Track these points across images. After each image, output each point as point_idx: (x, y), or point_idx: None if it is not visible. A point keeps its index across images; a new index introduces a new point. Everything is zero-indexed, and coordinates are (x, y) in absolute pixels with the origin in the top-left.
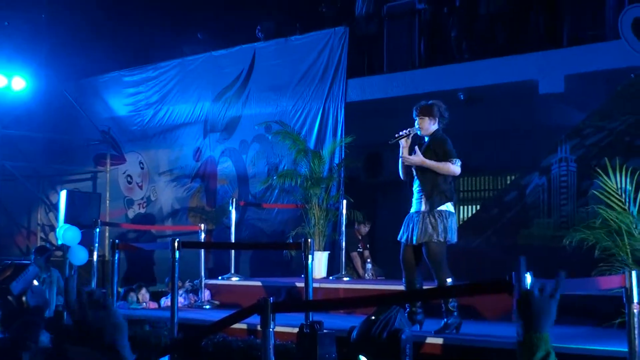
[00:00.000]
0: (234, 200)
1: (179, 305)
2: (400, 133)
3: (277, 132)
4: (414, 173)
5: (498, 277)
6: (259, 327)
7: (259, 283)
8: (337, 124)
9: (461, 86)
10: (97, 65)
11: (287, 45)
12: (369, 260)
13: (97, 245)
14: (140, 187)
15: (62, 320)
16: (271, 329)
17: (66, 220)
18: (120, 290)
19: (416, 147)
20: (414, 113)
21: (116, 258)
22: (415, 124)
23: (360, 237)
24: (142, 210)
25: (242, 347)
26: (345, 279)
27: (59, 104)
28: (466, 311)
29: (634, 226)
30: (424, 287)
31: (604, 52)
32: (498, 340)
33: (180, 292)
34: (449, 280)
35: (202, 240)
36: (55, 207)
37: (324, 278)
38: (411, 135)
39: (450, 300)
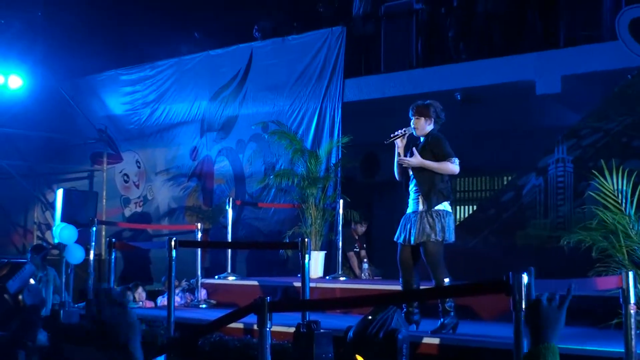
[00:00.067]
0: (231, 199)
1: (176, 304)
2: (396, 133)
3: (274, 132)
4: (411, 173)
5: (495, 277)
6: (255, 327)
7: (255, 282)
8: (334, 123)
9: (458, 86)
10: (94, 64)
11: (285, 44)
12: (365, 260)
13: (93, 244)
14: (137, 186)
15: (59, 319)
16: (268, 329)
17: (63, 219)
18: (117, 289)
19: (413, 148)
20: (410, 112)
21: (113, 257)
22: (411, 123)
23: (356, 237)
24: (139, 209)
25: (238, 346)
26: (341, 278)
27: (56, 102)
28: (463, 311)
29: (631, 227)
30: (421, 287)
31: (601, 53)
32: (494, 341)
33: (177, 291)
34: (446, 280)
35: (199, 240)
36: (51, 206)
37: (321, 278)
38: (406, 135)
39: (447, 300)
